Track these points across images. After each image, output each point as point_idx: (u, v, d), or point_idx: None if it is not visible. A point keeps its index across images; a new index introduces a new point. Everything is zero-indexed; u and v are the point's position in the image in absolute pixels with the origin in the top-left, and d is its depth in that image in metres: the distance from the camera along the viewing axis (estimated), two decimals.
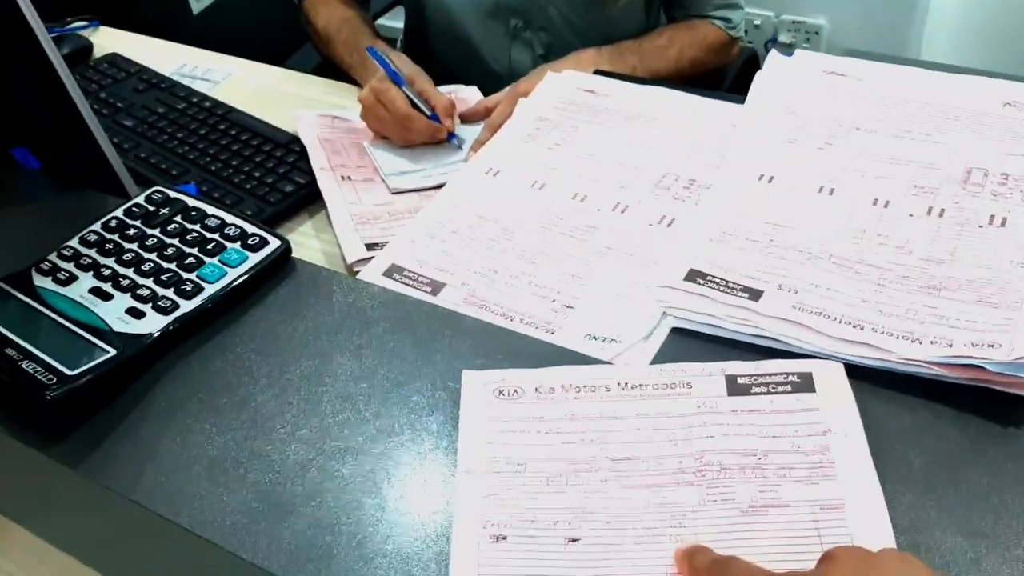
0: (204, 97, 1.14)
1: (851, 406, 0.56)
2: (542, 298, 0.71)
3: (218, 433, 0.61)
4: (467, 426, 0.58)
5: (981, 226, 0.67)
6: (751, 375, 0.58)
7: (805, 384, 0.58)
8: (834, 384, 0.58)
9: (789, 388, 0.58)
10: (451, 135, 0.99)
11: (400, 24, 1.40)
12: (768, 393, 0.57)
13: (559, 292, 0.71)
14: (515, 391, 0.59)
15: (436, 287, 0.73)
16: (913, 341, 0.59)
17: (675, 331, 0.66)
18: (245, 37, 1.56)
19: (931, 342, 0.59)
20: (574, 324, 0.69)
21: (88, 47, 1.27)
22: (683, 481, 0.53)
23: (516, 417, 0.58)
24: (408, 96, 0.98)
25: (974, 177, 0.71)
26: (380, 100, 0.97)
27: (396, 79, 0.99)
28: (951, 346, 0.58)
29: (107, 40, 1.31)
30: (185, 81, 1.20)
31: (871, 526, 0.51)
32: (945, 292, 0.63)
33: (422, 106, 0.98)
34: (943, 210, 0.69)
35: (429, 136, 0.98)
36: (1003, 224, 0.67)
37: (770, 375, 0.58)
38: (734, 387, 0.58)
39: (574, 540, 0.52)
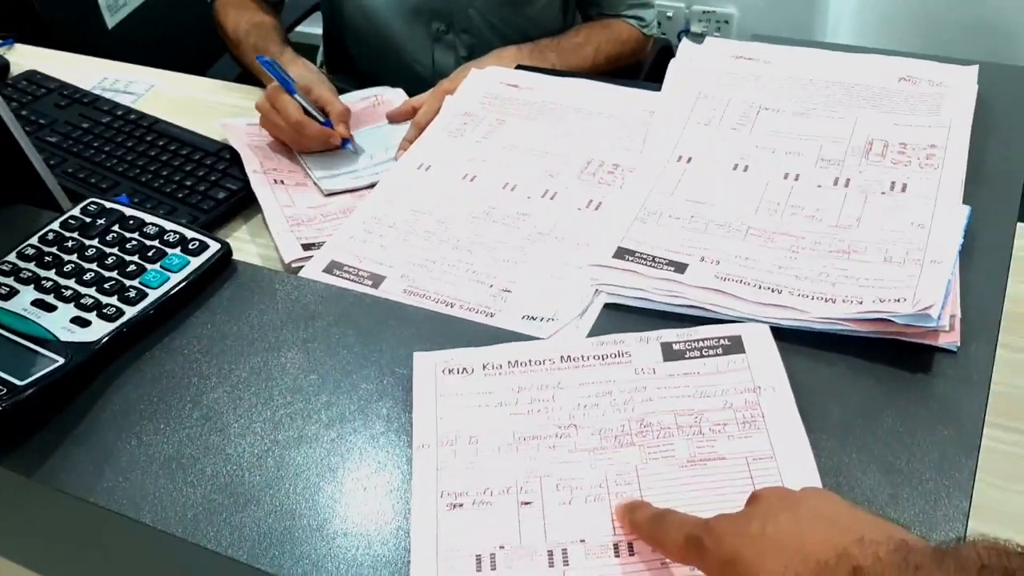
0: (129, 110, 1.14)
1: (778, 364, 0.61)
2: (480, 284, 0.74)
3: (172, 432, 0.62)
4: (420, 404, 0.61)
5: (884, 192, 0.72)
6: (685, 341, 0.62)
7: (735, 346, 0.62)
8: (761, 345, 0.62)
9: (720, 351, 0.61)
10: (345, 142, 1.00)
11: (319, 31, 1.41)
12: (701, 357, 0.61)
13: (496, 277, 0.74)
14: (464, 369, 0.62)
15: (376, 280, 0.75)
16: (827, 301, 0.64)
17: (608, 307, 0.69)
18: (164, 49, 1.55)
19: (843, 300, 0.64)
20: (512, 307, 0.72)
21: (4, 65, 1.25)
22: (626, 443, 0.57)
23: (466, 393, 0.61)
24: (300, 104, 1.00)
25: (875, 148, 0.76)
26: (274, 107, 0.99)
27: (288, 87, 1.00)
28: (861, 303, 0.63)
29: (23, 58, 1.30)
30: (107, 95, 1.19)
31: (799, 471, 0.55)
32: (854, 255, 0.67)
33: (315, 113, 1.00)
34: (848, 180, 0.74)
35: (323, 142, 0.99)
36: (903, 189, 0.72)
37: (702, 340, 0.62)
38: (669, 353, 0.62)
39: (527, 503, 0.55)
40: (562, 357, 0.62)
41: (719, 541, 0.46)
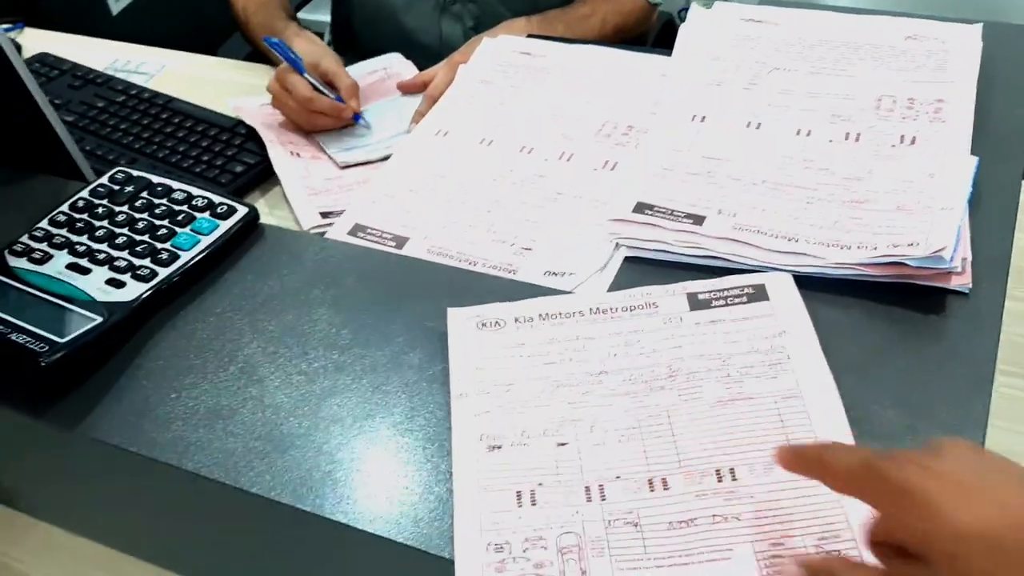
0: (143, 89, 1.16)
1: (801, 309, 0.62)
2: (501, 243, 0.76)
3: (210, 385, 0.64)
4: (456, 356, 0.62)
5: (894, 145, 0.74)
6: (710, 291, 0.64)
7: (759, 294, 0.63)
8: (785, 292, 0.64)
9: (745, 299, 0.63)
10: (357, 116, 1.02)
11: (324, 17, 1.43)
12: (727, 305, 0.63)
13: (517, 236, 0.76)
14: (496, 323, 0.64)
15: (400, 241, 0.77)
16: (842, 248, 0.66)
17: (627, 260, 0.71)
18: (168, 33, 1.56)
19: (858, 247, 0.66)
20: (534, 263, 0.74)
21: (17, 48, 1.27)
22: (656, 387, 0.59)
23: (500, 345, 0.63)
24: (310, 82, 1.01)
25: (884, 104, 0.78)
26: (284, 87, 1.00)
27: (297, 67, 1.02)
28: (876, 248, 0.65)
29: (34, 41, 1.32)
30: (120, 76, 1.21)
31: (825, 408, 0.57)
32: (868, 204, 0.69)
33: (324, 90, 1.01)
34: (859, 134, 0.76)
35: (334, 118, 1.01)
36: (913, 142, 0.74)
37: (727, 289, 0.64)
38: (695, 303, 0.64)
39: (562, 444, 0.57)
40: (591, 309, 0.64)
41: (900, 468, 0.43)
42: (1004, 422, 0.74)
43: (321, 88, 1.02)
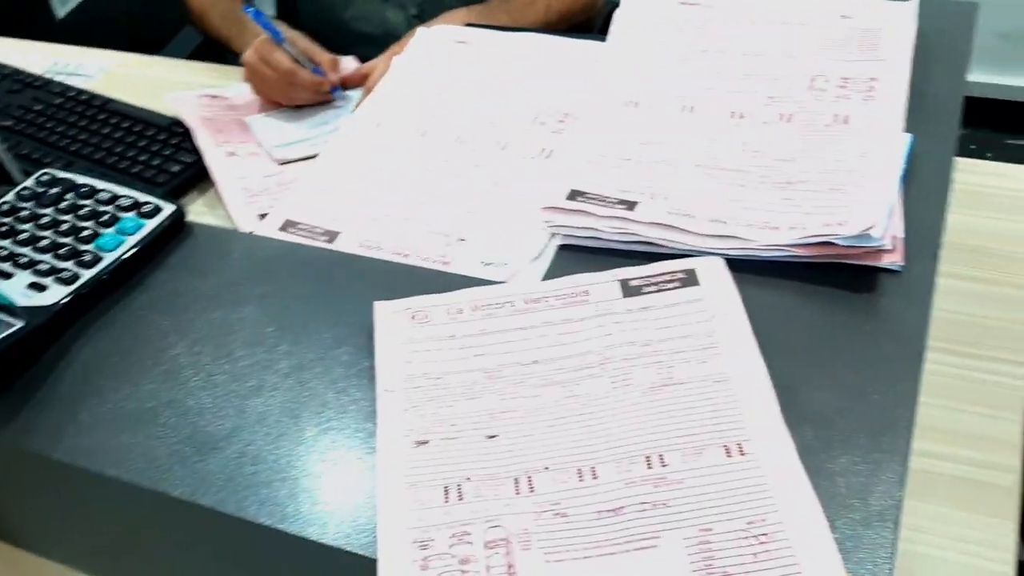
0: (80, 91, 1.14)
1: (732, 293, 0.62)
2: (435, 234, 0.75)
3: (134, 389, 0.62)
4: (383, 350, 0.61)
5: (827, 125, 0.74)
6: (642, 277, 0.64)
7: (690, 279, 0.63)
8: (716, 276, 0.63)
9: (677, 284, 0.63)
10: (335, 89, 1.02)
11: (270, 11, 1.41)
12: (659, 291, 0.62)
13: (451, 228, 0.75)
14: (426, 315, 0.63)
15: (332, 236, 0.76)
16: (773, 229, 0.65)
17: (562, 248, 0.70)
18: (113, 35, 1.54)
19: (789, 228, 0.65)
20: (467, 254, 0.73)
21: None
22: (588, 375, 0.58)
23: (429, 338, 0.62)
24: (290, 54, 1.00)
25: (818, 84, 0.78)
26: (264, 59, 0.99)
27: (278, 37, 1.01)
28: (806, 229, 0.64)
29: None
30: (59, 79, 1.19)
31: (754, 391, 0.56)
32: (799, 185, 0.69)
33: (305, 63, 1.00)
34: (792, 115, 0.75)
35: (314, 91, 1.00)
36: (846, 122, 0.74)
37: (658, 275, 0.64)
38: (627, 290, 0.63)
39: (492, 436, 0.56)
40: (523, 299, 0.63)
41: None
42: (937, 400, 0.74)
43: (301, 61, 1.01)
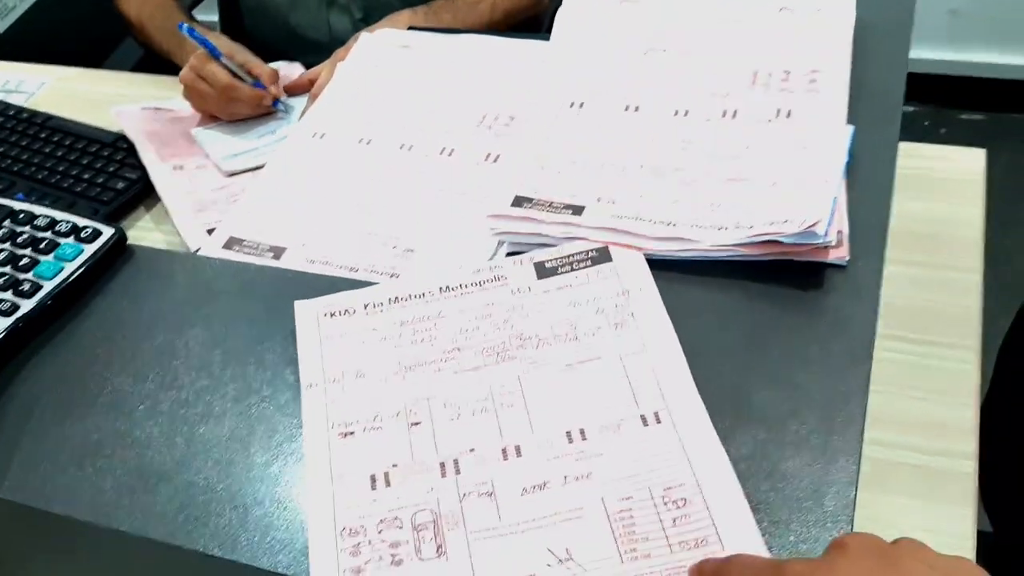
0: (20, 109, 1.12)
1: (643, 267, 0.64)
2: (383, 246, 0.74)
3: (78, 422, 0.61)
4: (304, 347, 0.62)
5: (770, 120, 0.74)
6: (556, 258, 0.66)
7: (602, 256, 0.65)
8: (627, 251, 0.65)
9: (589, 263, 0.65)
10: (276, 101, 1.00)
11: (213, 17, 1.39)
12: (572, 271, 0.65)
13: (399, 238, 0.74)
14: (345, 311, 0.64)
15: (278, 252, 0.75)
16: (719, 229, 0.65)
17: (511, 256, 0.70)
18: (56, 48, 1.51)
19: (735, 227, 0.65)
20: (417, 266, 0.72)
21: None
22: (507, 357, 0.60)
23: (349, 332, 0.63)
24: (228, 68, 0.99)
25: (760, 78, 0.78)
26: (200, 75, 0.98)
27: (214, 52, 0.99)
28: (752, 227, 0.64)
29: None
30: None
31: (668, 363, 0.58)
32: (744, 182, 0.69)
33: (243, 76, 0.99)
34: (736, 111, 0.75)
35: (255, 104, 0.99)
36: (789, 115, 0.74)
37: (572, 255, 0.66)
38: (543, 271, 0.65)
39: (416, 424, 0.57)
40: (441, 288, 0.65)
41: None
42: (888, 387, 0.75)
43: (240, 74, 0.99)
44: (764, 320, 0.62)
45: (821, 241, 0.62)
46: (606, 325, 0.60)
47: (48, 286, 0.68)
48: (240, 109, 0.99)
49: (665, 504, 0.51)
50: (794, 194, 0.66)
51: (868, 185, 0.70)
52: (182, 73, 1.00)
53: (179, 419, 0.60)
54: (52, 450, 0.60)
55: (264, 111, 1.01)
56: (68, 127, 1.07)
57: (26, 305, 0.67)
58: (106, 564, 0.62)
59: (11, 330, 0.65)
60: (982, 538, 0.67)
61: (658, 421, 0.55)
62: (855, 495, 0.53)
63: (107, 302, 0.69)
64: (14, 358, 0.66)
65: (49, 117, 1.09)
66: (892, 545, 0.42)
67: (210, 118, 1.04)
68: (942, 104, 2.30)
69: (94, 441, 0.60)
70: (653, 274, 0.64)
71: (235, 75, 0.99)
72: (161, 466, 0.58)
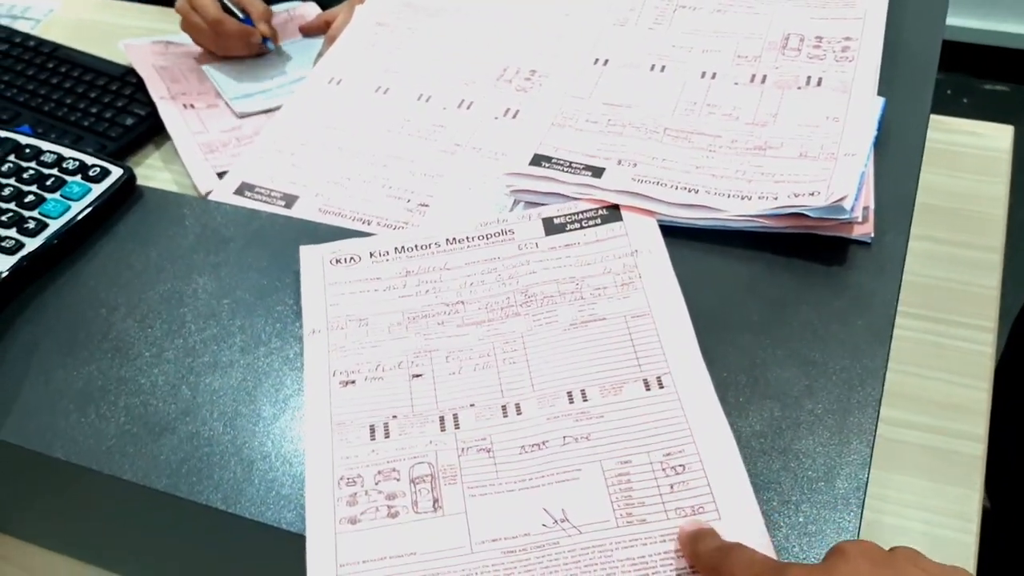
0: (27, 36, 1.09)
1: (654, 228, 0.63)
2: (397, 199, 0.72)
3: (82, 366, 0.60)
4: (308, 293, 0.61)
5: (800, 87, 0.71)
6: (565, 215, 0.65)
7: (612, 215, 0.64)
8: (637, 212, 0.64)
9: (599, 221, 0.64)
10: (265, 39, 0.98)
11: None
12: (581, 228, 0.63)
13: (413, 192, 0.73)
14: (351, 258, 0.63)
15: (290, 200, 0.73)
16: (743, 198, 0.64)
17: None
18: None
19: (759, 197, 0.63)
20: (430, 221, 0.70)
21: None
22: (511, 313, 0.59)
23: (354, 280, 0.62)
24: (222, 2, 0.96)
25: (791, 43, 0.75)
26: (193, 6, 0.95)
27: None
28: (776, 199, 0.63)
29: None
30: (3, 22, 1.14)
31: (673, 326, 0.57)
32: (770, 151, 0.67)
33: (235, 10, 0.97)
34: (765, 76, 0.73)
35: (243, 41, 0.97)
36: (819, 84, 0.72)
37: (581, 212, 0.64)
38: (551, 227, 0.64)
39: (417, 376, 0.56)
40: (447, 240, 0.64)
41: None
42: (906, 365, 0.74)
43: (232, 9, 0.97)
44: (783, 294, 0.61)
45: (847, 217, 0.61)
46: (612, 285, 0.59)
47: (54, 225, 0.66)
48: (229, 44, 0.96)
49: (664, 470, 0.51)
50: (821, 167, 0.64)
51: (896, 160, 0.68)
52: (178, 4, 0.98)
53: (185, 368, 0.59)
54: (54, 394, 0.59)
55: (255, 50, 0.99)
56: (76, 58, 1.04)
57: (31, 244, 0.65)
58: (105, 513, 0.61)
59: (16, 269, 0.64)
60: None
61: (660, 386, 0.54)
62: (867, 478, 0.52)
63: (114, 244, 0.68)
64: (17, 297, 0.64)
65: (57, 47, 1.07)
66: (890, 552, 0.42)
67: (218, 56, 1.01)
68: (967, 72, 2.26)
69: (98, 386, 0.59)
70: (671, 242, 0.63)
71: (227, 9, 0.96)
72: (165, 415, 0.57)
